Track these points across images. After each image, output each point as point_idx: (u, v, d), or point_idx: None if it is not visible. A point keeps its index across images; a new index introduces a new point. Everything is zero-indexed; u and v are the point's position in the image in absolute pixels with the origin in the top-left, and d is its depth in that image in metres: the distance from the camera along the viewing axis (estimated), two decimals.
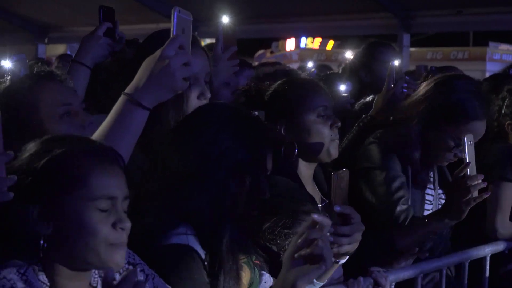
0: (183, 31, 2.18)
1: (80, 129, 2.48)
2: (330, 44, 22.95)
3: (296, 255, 2.11)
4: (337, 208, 2.33)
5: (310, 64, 8.03)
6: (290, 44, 22.92)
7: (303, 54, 21.42)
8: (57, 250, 1.82)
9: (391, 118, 3.40)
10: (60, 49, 13.91)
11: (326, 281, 2.53)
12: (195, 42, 2.61)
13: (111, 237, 1.83)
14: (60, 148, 1.85)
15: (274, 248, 2.52)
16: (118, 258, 1.86)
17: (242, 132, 2.29)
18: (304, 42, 23.03)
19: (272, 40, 22.31)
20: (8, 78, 2.58)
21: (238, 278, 2.23)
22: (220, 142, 2.26)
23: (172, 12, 2.17)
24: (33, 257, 1.81)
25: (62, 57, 7.18)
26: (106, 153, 1.90)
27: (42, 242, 1.80)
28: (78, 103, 2.56)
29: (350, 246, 2.37)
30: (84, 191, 1.82)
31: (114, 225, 1.84)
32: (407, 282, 3.10)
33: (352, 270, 2.73)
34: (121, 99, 2.20)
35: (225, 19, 3.23)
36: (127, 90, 2.20)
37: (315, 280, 2.50)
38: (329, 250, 2.12)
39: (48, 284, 1.82)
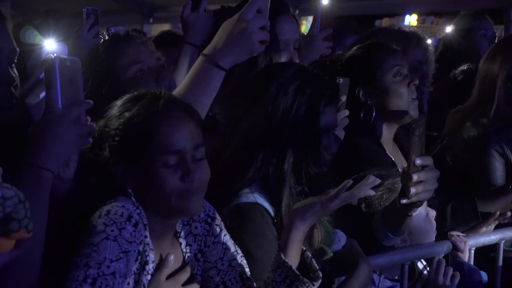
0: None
1: (153, 85, 2.53)
2: (435, 21, 22.27)
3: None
4: (417, 161, 2.26)
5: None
6: (394, 22, 22.36)
7: None
8: (143, 200, 1.97)
9: None
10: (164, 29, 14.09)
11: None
12: (287, 10, 2.69)
13: (180, 189, 1.95)
14: (131, 110, 1.97)
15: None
16: (193, 205, 1.97)
17: (301, 89, 2.30)
18: (408, 20, 22.47)
19: (376, 18, 21.80)
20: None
21: (308, 235, 2.24)
22: (281, 101, 2.29)
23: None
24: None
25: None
26: (174, 108, 2.00)
27: (131, 192, 1.97)
28: (153, 60, 2.58)
29: (427, 193, 2.29)
30: (152, 148, 1.94)
31: (182, 178, 1.95)
32: (487, 248, 3.07)
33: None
34: (200, 60, 2.30)
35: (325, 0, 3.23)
36: (205, 51, 2.30)
37: (390, 234, 2.52)
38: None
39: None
